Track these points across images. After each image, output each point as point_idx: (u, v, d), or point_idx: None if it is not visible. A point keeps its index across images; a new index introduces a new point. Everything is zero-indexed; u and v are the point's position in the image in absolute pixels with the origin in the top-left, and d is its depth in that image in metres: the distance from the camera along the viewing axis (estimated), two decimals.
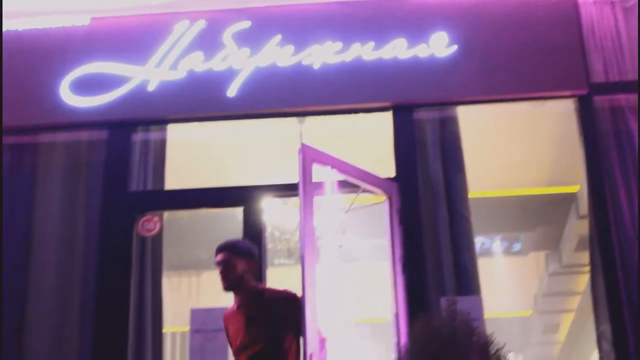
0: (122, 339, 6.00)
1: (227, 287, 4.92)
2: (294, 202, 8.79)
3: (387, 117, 6.40)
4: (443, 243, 6.06)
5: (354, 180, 5.98)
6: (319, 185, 5.73)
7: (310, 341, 4.89)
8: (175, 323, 8.48)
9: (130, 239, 6.25)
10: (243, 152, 7.55)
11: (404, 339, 4.92)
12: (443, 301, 5.38)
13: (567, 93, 6.35)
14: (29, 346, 6.10)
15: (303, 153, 5.54)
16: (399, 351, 4.34)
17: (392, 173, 6.22)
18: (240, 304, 4.96)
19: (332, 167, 5.80)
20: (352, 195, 7.26)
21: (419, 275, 5.90)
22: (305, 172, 5.49)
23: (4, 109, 6.51)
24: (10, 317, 6.11)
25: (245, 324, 4.85)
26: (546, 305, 13.33)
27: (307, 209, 5.36)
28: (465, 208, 6.19)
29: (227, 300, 6.01)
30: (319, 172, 6.34)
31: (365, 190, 6.08)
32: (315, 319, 5.20)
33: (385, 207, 6.11)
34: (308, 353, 4.75)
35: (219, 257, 4.95)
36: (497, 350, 3.72)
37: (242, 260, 4.95)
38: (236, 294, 4.99)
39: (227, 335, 5.06)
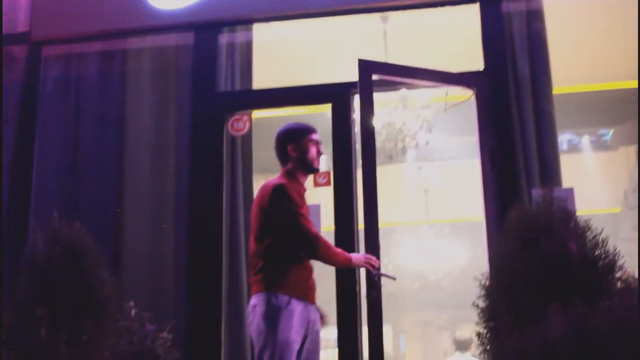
0: (216, 238, 6.13)
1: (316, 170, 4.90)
2: (381, 101, 8.78)
3: (474, 10, 6.27)
4: (529, 138, 6.00)
5: (426, 83, 5.95)
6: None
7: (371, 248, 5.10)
8: None
9: (221, 140, 6.34)
10: (329, 50, 7.52)
11: (495, 233, 4.88)
12: (534, 192, 5.33)
13: None
14: (126, 247, 6.28)
15: (360, 67, 5.60)
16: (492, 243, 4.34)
17: (479, 68, 6.13)
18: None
19: (394, 75, 5.75)
20: (439, 94, 7.23)
21: (509, 171, 5.87)
22: (364, 84, 5.65)
23: (91, 14, 6.59)
24: (106, 220, 6.30)
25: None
26: (636, 200, 13.12)
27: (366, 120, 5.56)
28: (549, 103, 6.10)
29: (315, 200, 6.06)
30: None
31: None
32: (376, 223, 5.31)
33: (473, 103, 6.06)
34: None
35: (317, 135, 4.87)
36: (595, 236, 3.69)
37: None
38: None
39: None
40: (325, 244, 4.52)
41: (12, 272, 4.84)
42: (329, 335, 4.96)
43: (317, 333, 4.64)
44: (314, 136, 4.82)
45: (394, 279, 5.02)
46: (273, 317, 4.38)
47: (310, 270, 4.67)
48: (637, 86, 8.86)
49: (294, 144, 4.76)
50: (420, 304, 15.82)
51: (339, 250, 4.66)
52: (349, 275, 5.65)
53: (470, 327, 4.27)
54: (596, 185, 12.10)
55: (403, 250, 13.99)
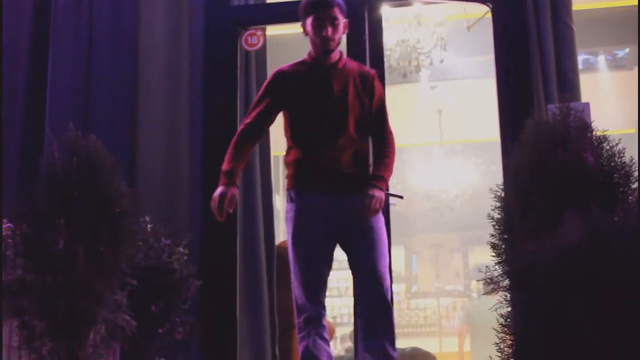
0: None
1: (328, 50, 4.34)
2: (395, 18, 8.72)
3: None
4: (547, 53, 5.94)
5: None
6: None
7: None
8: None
9: (235, 54, 6.33)
10: None
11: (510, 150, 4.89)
12: (550, 107, 5.31)
13: None
14: (141, 161, 6.29)
15: None
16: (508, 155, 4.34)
17: None
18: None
19: None
20: (454, 11, 7.17)
21: (526, 87, 5.84)
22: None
23: None
24: (121, 134, 6.30)
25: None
26: None
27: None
28: (568, 16, 6.04)
29: None
30: None
31: None
32: None
33: (490, 20, 6.01)
34: None
35: (328, 11, 4.33)
36: (611, 147, 3.68)
37: (343, 20, 4.40)
38: (322, 57, 4.39)
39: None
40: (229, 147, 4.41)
41: (30, 183, 4.86)
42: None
43: None
44: (309, 19, 4.35)
45: (402, 197, 5.03)
46: None
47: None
48: None
49: (303, 26, 4.45)
50: (433, 226, 15.90)
51: (226, 161, 4.38)
52: None
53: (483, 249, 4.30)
54: (611, 105, 12.01)
55: (415, 171, 14.03)
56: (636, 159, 3.72)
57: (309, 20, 4.33)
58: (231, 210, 4.27)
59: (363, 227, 4.26)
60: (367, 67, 4.59)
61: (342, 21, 4.35)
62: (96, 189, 4.45)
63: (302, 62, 4.45)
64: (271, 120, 4.50)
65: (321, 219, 4.26)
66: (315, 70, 4.39)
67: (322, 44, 4.31)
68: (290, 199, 4.34)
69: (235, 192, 4.29)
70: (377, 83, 4.48)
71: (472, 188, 13.51)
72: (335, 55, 4.38)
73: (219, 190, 4.26)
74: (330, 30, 4.29)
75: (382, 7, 6.32)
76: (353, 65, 4.49)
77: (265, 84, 4.47)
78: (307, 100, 4.35)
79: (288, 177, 4.38)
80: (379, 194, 4.21)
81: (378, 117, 4.47)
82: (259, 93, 4.47)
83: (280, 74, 4.44)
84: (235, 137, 4.39)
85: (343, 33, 4.41)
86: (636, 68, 11.79)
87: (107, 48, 6.50)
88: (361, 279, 4.27)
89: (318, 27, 4.30)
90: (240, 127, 4.45)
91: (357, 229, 4.27)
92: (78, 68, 6.46)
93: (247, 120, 4.42)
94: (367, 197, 4.18)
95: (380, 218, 4.33)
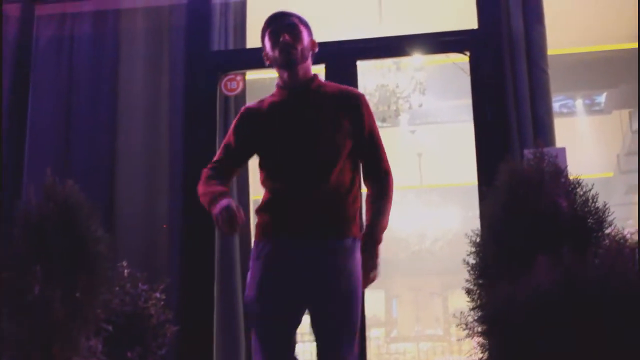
0: None
1: (291, 61, 3.72)
2: (374, 63, 8.78)
3: None
4: (523, 98, 6.00)
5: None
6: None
7: None
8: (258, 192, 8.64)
9: (214, 100, 6.34)
10: (323, 11, 7.49)
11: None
12: (526, 152, 5.35)
13: None
14: (119, 206, 6.29)
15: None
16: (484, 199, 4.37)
17: (473, 25, 6.13)
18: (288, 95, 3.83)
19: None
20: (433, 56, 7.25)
21: (502, 132, 5.88)
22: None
23: None
24: (100, 178, 6.31)
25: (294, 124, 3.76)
26: (629, 164, 13.16)
27: None
28: (543, 61, 6.09)
29: None
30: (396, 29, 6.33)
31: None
32: None
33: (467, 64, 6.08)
34: None
35: (284, 20, 3.81)
36: (585, 192, 3.72)
37: (308, 34, 3.86)
38: (289, 77, 3.79)
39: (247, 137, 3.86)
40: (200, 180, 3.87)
41: (6, 229, 4.85)
42: None
43: None
44: (266, 37, 3.83)
45: None
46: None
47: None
48: (633, 47, 8.88)
49: (265, 55, 3.91)
50: (413, 270, 15.92)
51: (209, 189, 3.75)
52: None
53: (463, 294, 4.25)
54: (589, 149, 12.12)
55: (395, 215, 14.02)
56: (610, 204, 3.76)
57: (266, 39, 3.82)
58: (243, 221, 3.53)
59: (334, 288, 3.57)
60: (352, 88, 3.92)
61: (305, 34, 3.80)
62: (73, 234, 4.44)
63: (271, 95, 3.88)
64: (236, 163, 3.92)
65: (289, 274, 3.58)
66: (282, 99, 3.81)
67: (282, 54, 3.72)
68: (252, 251, 3.74)
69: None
70: (364, 107, 3.79)
71: (452, 232, 13.55)
72: (304, 75, 3.79)
73: (220, 205, 3.52)
74: (288, 36, 3.72)
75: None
76: (332, 87, 3.86)
77: (232, 124, 3.96)
78: (272, 135, 3.75)
79: (256, 226, 3.77)
80: (378, 260, 3.70)
81: (369, 150, 3.79)
82: (227, 134, 3.97)
83: (245, 112, 3.90)
84: (203, 175, 3.86)
85: (311, 50, 3.84)
86: (615, 112, 11.94)
87: (87, 93, 6.53)
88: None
89: (275, 37, 3.76)
90: (207, 166, 3.90)
91: (327, 291, 3.57)
92: (57, 112, 6.49)
93: (213, 160, 3.91)
94: (370, 268, 3.66)
95: (356, 268, 3.64)
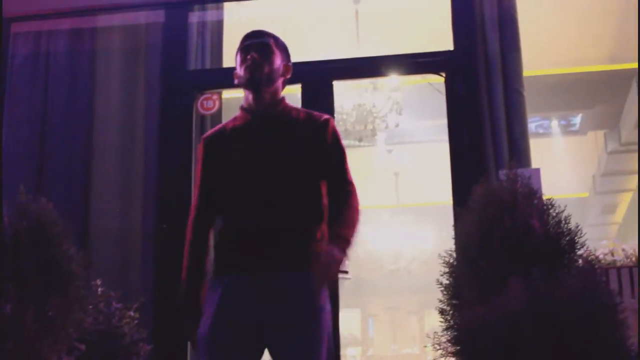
0: (184, 217, 6.12)
1: (255, 81, 3.48)
2: (351, 83, 8.81)
3: None
4: (498, 119, 6.03)
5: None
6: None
7: None
8: None
9: (190, 118, 6.34)
10: (300, 30, 7.53)
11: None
12: (501, 173, 5.38)
13: None
14: (94, 224, 6.27)
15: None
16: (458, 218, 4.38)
17: (449, 46, 6.16)
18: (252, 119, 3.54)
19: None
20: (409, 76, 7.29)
21: (478, 153, 5.91)
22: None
23: None
24: (75, 196, 6.29)
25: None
26: (604, 185, 13.28)
27: None
28: (519, 83, 6.13)
29: None
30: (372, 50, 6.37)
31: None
32: None
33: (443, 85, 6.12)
34: None
35: (257, 39, 3.59)
36: (558, 213, 3.74)
37: (282, 57, 3.62)
38: (254, 99, 3.54)
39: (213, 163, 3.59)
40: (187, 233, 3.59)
41: None
42: None
43: None
44: (237, 57, 3.63)
45: (346, 272, 4.98)
46: None
47: None
48: (608, 69, 8.97)
49: (234, 75, 3.68)
50: (390, 289, 15.93)
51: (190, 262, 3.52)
52: None
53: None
54: (565, 170, 12.22)
55: (372, 234, 14.06)
56: (585, 224, 3.78)
57: (237, 56, 3.61)
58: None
59: (297, 327, 3.24)
60: (320, 113, 3.60)
61: (278, 56, 3.57)
62: (45, 252, 4.41)
63: (233, 119, 3.64)
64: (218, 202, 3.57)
65: (247, 312, 3.27)
66: (245, 124, 3.54)
67: (247, 73, 3.50)
68: (209, 285, 3.44)
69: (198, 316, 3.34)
70: (331, 131, 3.52)
71: (429, 251, 13.57)
72: (271, 99, 3.54)
73: (189, 317, 3.39)
74: (257, 55, 3.49)
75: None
76: (299, 112, 3.61)
77: (198, 159, 3.66)
78: (233, 163, 3.48)
79: (214, 260, 3.48)
80: (338, 255, 3.22)
81: (334, 173, 3.51)
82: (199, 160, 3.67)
83: (207, 140, 3.65)
84: (189, 230, 3.56)
85: (282, 75, 3.60)
86: (590, 133, 12.04)
87: (62, 111, 6.51)
88: None
89: (244, 55, 3.55)
90: (191, 214, 3.59)
91: (289, 330, 3.24)
92: (32, 128, 6.46)
93: (194, 204, 3.60)
94: (321, 258, 3.20)
95: (324, 304, 3.33)
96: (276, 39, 3.64)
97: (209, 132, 3.71)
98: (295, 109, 3.64)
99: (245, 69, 3.49)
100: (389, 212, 14.11)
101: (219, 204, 3.53)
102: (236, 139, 3.52)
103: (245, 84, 3.53)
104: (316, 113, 3.61)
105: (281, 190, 3.39)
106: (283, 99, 3.62)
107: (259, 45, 3.54)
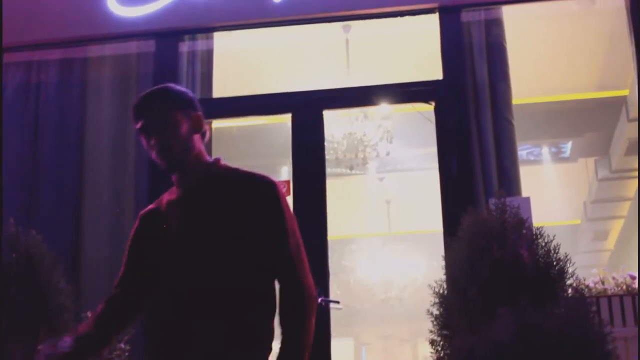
0: None
1: (172, 165, 2.95)
2: (342, 111, 8.83)
3: (434, 20, 6.32)
4: (488, 148, 6.04)
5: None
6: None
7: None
8: None
9: None
10: (291, 59, 7.57)
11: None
12: (491, 202, 5.38)
13: None
14: (85, 255, 6.25)
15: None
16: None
17: (438, 76, 6.19)
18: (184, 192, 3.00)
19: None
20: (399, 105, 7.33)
21: (468, 181, 5.91)
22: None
23: (52, 21, 6.59)
24: (65, 227, 6.27)
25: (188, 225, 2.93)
26: (595, 212, 13.29)
27: None
28: (508, 112, 6.15)
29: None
30: (363, 79, 6.39)
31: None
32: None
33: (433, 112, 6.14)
34: None
35: (148, 114, 2.97)
36: (547, 243, 3.74)
37: (182, 115, 2.98)
38: (176, 178, 3.02)
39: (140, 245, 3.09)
40: None
41: None
42: None
43: None
44: (138, 127, 3.02)
45: (338, 302, 4.98)
46: None
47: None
48: (598, 97, 9.01)
49: None
50: (382, 317, 15.89)
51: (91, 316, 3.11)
52: None
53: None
54: (556, 197, 12.24)
55: (364, 262, 14.06)
56: (577, 251, 3.78)
57: (139, 132, 3.02)
58: None
59: None
60: (261, 177, 2.95)
61: (180, 119, 2.96)
62: (35, 285, 4.40)
63: (169, 191, 3.11)
64: (140, 284, 3.05)
65: None
66: (177, 198, 3.00)
67: (159, 160, 2.95)
68: None
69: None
70: (273, 199, 2.88)
71: (421, 279, 13.55)
72: (195, 166, 2.99)
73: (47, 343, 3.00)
74: (155, 141, 2.92)
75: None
76: (237, 175, 3.00)
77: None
78: (159, 243, 2.96)
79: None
80: None
81: (276, 254, 2.83)
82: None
83: (143, 216, 3.16)
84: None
85: (194, 132, 3.01)
86: (580, 160, 12.08)
87: (53, 141, 6.50)
88: None
89: (146, 137, 2.97)
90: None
91: None
92: (23, 159, 6.44)
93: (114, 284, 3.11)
94: None
95: None
96: (167, 101, 3.00)
97: (147, 207, 3.16)
98: (233, 172, 3.02)
99: (156, 158, 2.95)
100: (381, 240, 14.11)
101: (140, 293, 3.04)
102: (167, 215, 2.99)
103: (163, 170, 2.98)
104: (258, 176, 2.96)
105: (206, 280, 2.80)
106: (216, 161, 3.05)
107: (156, 123, 2.93)
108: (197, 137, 3.01)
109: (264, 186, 2.91)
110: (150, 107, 2.97)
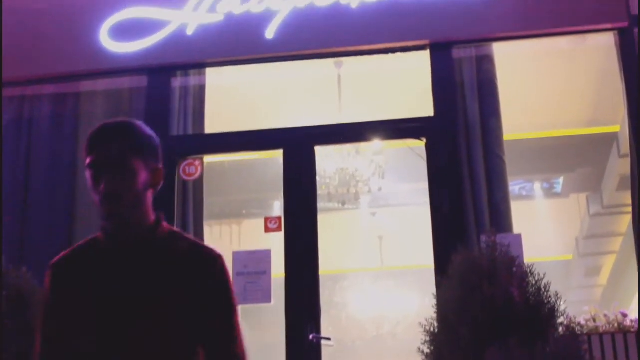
0: None
1: (114, 216, 2.52)
2: (334, 147, 8.85)
3: (425, 56, 6.36)
4: (479, 184, 6.05)
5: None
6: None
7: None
8: None
9: (173, 184, 6.32)
10: (282, 95, 7.59)
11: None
12: (482, 240, 5.38)
13: (607, 26, 6.20)
14: None
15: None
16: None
17: (430, 112, 6.21)
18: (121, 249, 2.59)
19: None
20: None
21: (459, 217, 5.91)
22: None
23: (45, 57, 6.60)
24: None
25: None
26: (588, 247, 13.28)
27: None
28: (499, 148, 6.17)
29: (268, 244, 6.06)
30: (355, 115, 6.41)
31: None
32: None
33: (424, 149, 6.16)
34: None
35: (107, 149, 2.52)
36: (537, 281, 3.74)
37: (146, 164, 2.59)
38: (113, 230, 2.59)
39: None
40: None
41: None
42: None
43: None
44: (88, 161, 2.55)
45: (329, 339, 4.97)
46: None
47: None
48: (589, 133, 9.04)
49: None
50: (374, 354, 15.79)
51: None
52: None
53: None
54: (548, 233, 12.23)
55: (357, 297, 14.01)
56: (569, 286, 3.78)
57: (87, 166, 2.55)
58: None
59: None
60: (207, 251, 2.64)
61: (140, 166, 2.56)
62: (25, 321, 4.39)
63: (92, 240, 2.69)
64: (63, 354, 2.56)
65: None
66: (107, 256, 2.60)
67: (103, 206, 2.50)
68: None
69: None
70: (219, 275, 2.59)
71: (414, 314, 13.49)
72: (139, 223, 2.60)
73: None
74: (105, 186, 2.48)
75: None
76: (181, 243, 2.66)
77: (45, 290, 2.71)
78: (76, 311, 2.54)
79: None
80: None
81: (217, 330, 2.57)
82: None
83: (52, 270, 2.69)
84: None
85: (152, 186, 2.62)
86: (572, 196, 12.09)
87: (45, 176, 6.51)
88: None
89: (95, 175, 2.51)
90: None
91: None
92: (14, 193, 6.43)
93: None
94: None
95: None
96: (132, 140, 2.59)
97: (62, 254, 2.73)
98: (177, 238, 2.70)
99: (101, 202, 2.50)
100: (373, 275, 14.07)
101: None
102: (90, 273, 2.60)
103: (103, 217, 2.56)
104: (204, 249, 2.66)
105: (140, 347, 2.47)
106: (159, 222, 2.66)
107: (112, 163, 2.51)
108: (150, 192, 2.61)
109: (210, 261, 2.59)
110: (109, 144, 2.53)
